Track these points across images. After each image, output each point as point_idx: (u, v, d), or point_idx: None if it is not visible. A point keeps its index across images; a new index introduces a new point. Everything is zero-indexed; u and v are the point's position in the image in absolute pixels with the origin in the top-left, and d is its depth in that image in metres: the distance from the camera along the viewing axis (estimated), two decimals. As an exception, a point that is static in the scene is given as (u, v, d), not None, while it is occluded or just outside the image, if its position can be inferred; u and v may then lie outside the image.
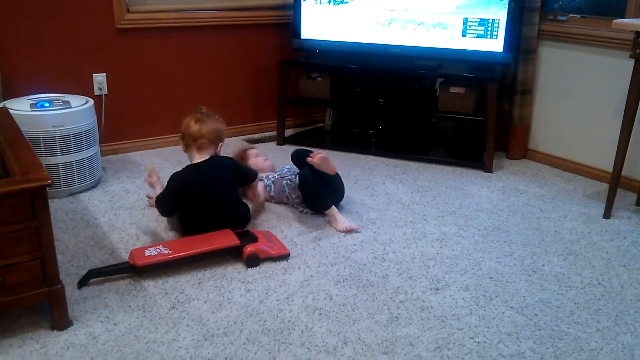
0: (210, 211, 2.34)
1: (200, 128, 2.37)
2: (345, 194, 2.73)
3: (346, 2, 3.48)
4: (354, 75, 3.67)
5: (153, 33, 3.36)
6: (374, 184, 3.07)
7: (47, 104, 2.72)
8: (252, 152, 2.98)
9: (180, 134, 2.45)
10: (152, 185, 2.55)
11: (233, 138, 3.77)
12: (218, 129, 2.43)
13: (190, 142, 2.40)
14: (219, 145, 2.47)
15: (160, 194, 2.39)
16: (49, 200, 1.71)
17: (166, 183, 2.37)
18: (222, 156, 2.48)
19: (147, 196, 2.72)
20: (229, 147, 3.54)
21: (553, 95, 3.39)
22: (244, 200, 2.54)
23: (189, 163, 2.42)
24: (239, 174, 2.50)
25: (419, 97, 3.57)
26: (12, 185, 1.63)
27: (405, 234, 2.52)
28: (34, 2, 2.98)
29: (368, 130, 3.71)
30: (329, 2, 3.51)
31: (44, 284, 1.75)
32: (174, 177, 2.36)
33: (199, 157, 2.40)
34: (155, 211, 2.63)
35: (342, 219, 2.54)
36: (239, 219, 2.44)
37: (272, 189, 2.75)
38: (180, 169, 2.43)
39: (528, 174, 3.31)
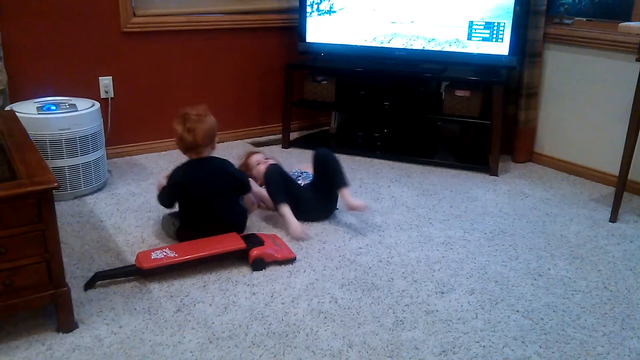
0: (207, 209, 2.35)
1: (195, 138, 2.30)
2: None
3: (334, 12, 3.47)
4: (359, 79, 3.67)
5: (159, 37, 3.37)
6: (379, 187, 3.07)
7: (53, 107, 2.73)
8: (253, 160, 2.91)
9: (175, 140, 2.40)
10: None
11: (238, 141, 3.79)
12: (210, 129, 2.34)
13: (187, 151, 2.38)
14: (215, 141, 2.43)
15: (163, 188, 2.42)
16: (55, 203, 1.71)
17: (168, 177, 2.41)
18: (222, 159, 2.45)
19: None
20: (234, 150, 3.56)
21: (559, 98, 3.38)
22: (242, 205, 2.54)
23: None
24: (235, 182, 2.45)
25: (424, 100, 3.57)
26: (18, 188, 1.63)
27: (410, 237, 2.52)
28: (41, 5, 2.99)
29: (373, 134, 3.70)
30: (321, 13, 3.49)
31: (50, 286, 1.76)
32: (175, 173, 2.38)
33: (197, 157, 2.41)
34: (161, 214, 2.65)
35: (293, 222, 2.47)
36: (235, 220, 2.43)
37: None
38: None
39: (534, 178, 3.30)
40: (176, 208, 2.44)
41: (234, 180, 2.45)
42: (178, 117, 2.34)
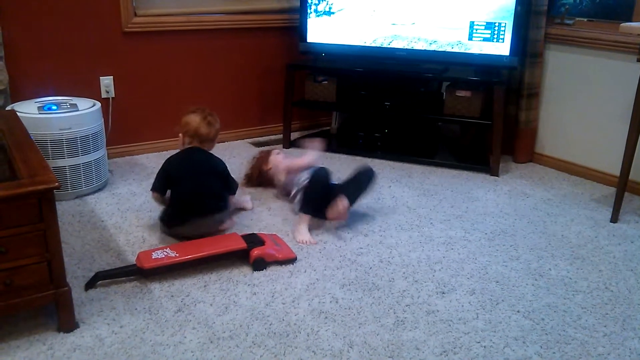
0: (194, 192, 2.40)
1: (210, 131, 2.50)
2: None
3: (332, 13, 3.47)
4: (360, 79, 3.67)
5: (160, 36, 3.37)
6: (379, 187, 3.07)
7: (54, 107, 2.73)
8: (275, 157, 2.96)
9: (184, 130, 2.50)
10: None
11: (239, 141, 3.79)
12: (219, 131, 2.57)
13: (196, 141, 2.49)
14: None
15: (157, 177, 2.50)
16: (56, 203, 1.71)
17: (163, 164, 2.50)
18: (216, 157, 2.55)
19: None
20: (235, 150, 3.56)
21: (560, 98, 3.38)
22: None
23: None
24: (225, 179, 2.54)
25: (425, 100, 3.57)
26: (19, 187, 1.64)
27: (411, 237, 2.52)
28: (42, 5, 2.99)
29: (374, 134, 3.70)
30: (319, 14, 3.48)
31: (51, 286, 1.76)
32: (169, 160, 2.49)
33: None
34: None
35: (304, 231, 2.48)
36: (220, 202, 2.49)
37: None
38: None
39: (535, 178, 3.30)
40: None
41: (224, 177, 2.53)
42: (195, 111, 2.52)
